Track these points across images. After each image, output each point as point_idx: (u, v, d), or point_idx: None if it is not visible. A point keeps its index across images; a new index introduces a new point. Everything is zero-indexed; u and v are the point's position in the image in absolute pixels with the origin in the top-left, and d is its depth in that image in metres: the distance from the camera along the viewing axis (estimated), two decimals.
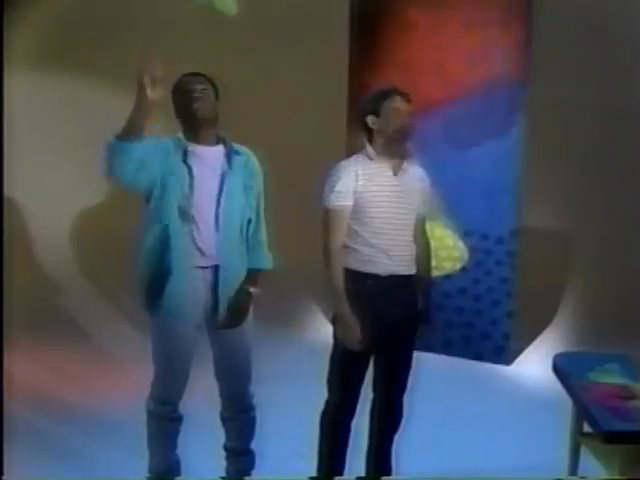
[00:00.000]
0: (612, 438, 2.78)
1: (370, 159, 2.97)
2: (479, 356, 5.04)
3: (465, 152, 5.02)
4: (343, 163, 3.00)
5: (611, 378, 3.09)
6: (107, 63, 5.61)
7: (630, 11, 5.14)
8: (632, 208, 5.36)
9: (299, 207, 5.47)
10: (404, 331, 3.03)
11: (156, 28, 5.66)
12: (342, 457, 3.12)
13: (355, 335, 2.88)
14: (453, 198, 4.79)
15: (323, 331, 5.53)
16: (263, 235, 3.10)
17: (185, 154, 2.93)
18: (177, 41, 5.54)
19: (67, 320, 5.24)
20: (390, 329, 2.97)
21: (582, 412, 3.08)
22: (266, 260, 3.10)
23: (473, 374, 4.79)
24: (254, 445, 3.23)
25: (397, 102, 2.96)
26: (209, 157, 2.97)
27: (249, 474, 3.18)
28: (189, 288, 2.94)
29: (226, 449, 3.20)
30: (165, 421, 3.06)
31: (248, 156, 3.05)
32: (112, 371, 4.49)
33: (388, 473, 3.15)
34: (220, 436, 3.19)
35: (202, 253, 2.94)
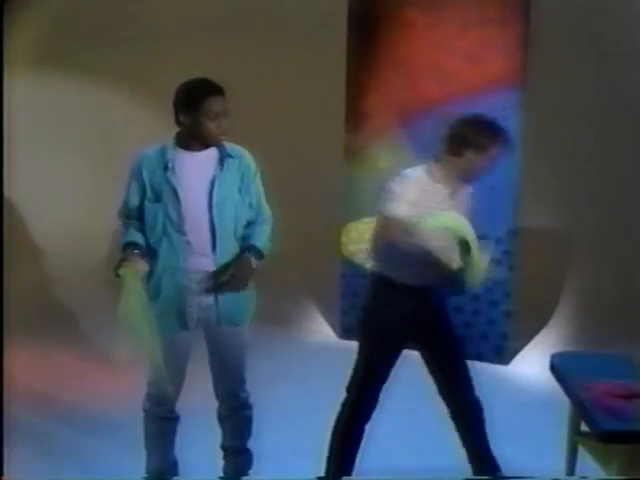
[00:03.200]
0: (609, 438, 2.78)
1: (433, 177, 2.99)
2: (477, 356, 5.03)
3: None
4: (409, 174, 3.00)
5: (608, 377, 3.09)
6: (107, 64, 5.60)
7: (628, 11, 5.14)
8: (629, 208, 5.37)
9: (298, 208, 5.48)
10: (439, 335, 3.16)
11: (157, 29, 5.67)
12: (352, 459, 3.15)
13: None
14: None
15: (320, 331, 5.56)
16: (268, 225, 3.09)
17: (166, 168, 2.92)
18: (176, 43, 5.55)
19: (65, 319, 5.25)
20: (422, 333, 3.09)
21: (579, 411, 3.09)
22: (267, 242, 3.07)
23: (471, 374, 4.79)
24: (252, 445, 3.23)
25: (492, 155, 2.97)
26: (199, 162, 2.95)
27: (247, 473, 3.19)
28: (183, 291, 2.95)
29: (223, 448, 3.21)
30: (162, 421, 3.07)
31: (241, 158, 3.03)
32: (110, 371, 4.47)
33: (498, 469, 3.18)
34: (218, 436, 3.20)
35: (198, 258, 2.95)
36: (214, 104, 2.87)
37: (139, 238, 2.95)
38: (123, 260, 2.88)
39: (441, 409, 3.20)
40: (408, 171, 3.02)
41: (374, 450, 3.23)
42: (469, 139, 2.95)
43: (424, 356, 3.18)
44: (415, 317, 3.05)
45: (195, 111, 2.87)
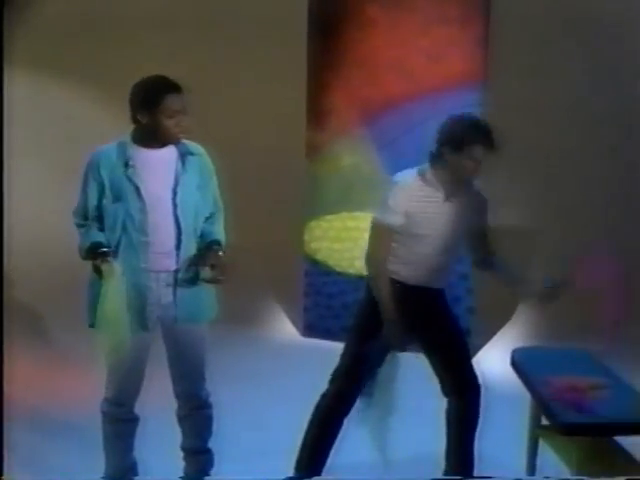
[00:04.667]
0: (569, 430, 2.82)
1: (425, 181, 3.00)
2: None
3: (425, 149, 5.03)
4: (400, 180, 3.02)
5: (567, 372, 3.12)
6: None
7: (590, 9, 5.20)
8: (591, 205, 5.43)
9: (260, 206, 5.46)
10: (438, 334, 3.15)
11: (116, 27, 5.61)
12: (326, 453, 3.13)
13: (402, 339, 2.98)
14: None
15: (283, 329, 5.54)
16: (222, 218, 3.06)
17: (127, 165, 2.87)
18: (139, 42, 5.50)
19: (22, 321, 5.16)
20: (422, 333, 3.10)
21: (540, 405, 3.12)
22: (221, 234, 3.02)
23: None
24: (213, 445, 3.20)
25: (480, 153, 2.95)
26: (160, 159, 2.91)
27: (208, 474, 3.16)
28: (142, 292, 2.90)
29: (184, 449, 3.17)
30: (120, 423, 3.02)
31: (201, 155, 3.00)
32: (68, 373, 4.43)
33: (471, 473, 3.18)
34: (178, 436, 3.16)
35: (159, 257, 2.90)
36: (172, 102, 2.82)
37: (103, 238, 2.89)
38: (96, 259, 2.82)
39: (400, 405, 3.19)
40: (399, 176, 3.05)
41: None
42: (456, 140, 2.94)
43: (426, 356, 3.20)
44: (412, 315, 3.02)
45: (153, 109, 2.82)
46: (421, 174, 3.01)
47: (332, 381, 3.11)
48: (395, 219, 2.97)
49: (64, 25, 5.57)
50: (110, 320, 2.80)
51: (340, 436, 3.12)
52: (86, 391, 3.80)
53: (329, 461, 3.13)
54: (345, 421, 3.11)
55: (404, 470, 3.20)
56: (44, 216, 5.89)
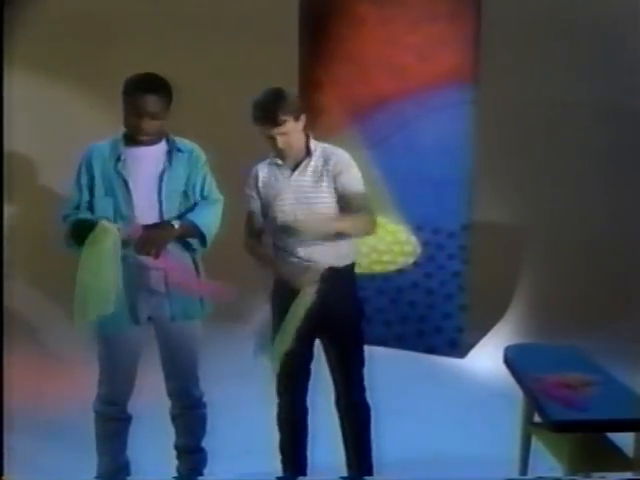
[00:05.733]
0: (561, 427, 2.82)
1: (273, 160, 3.01)
2: (432, 349, 5.08)
3: (416, 147, 5.04)
4: (252, 170, 3.04)
5: (560, 369, 3.13)
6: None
7: (581, 7, 5.21)
8: (581, 204, 5.45)
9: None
10: (340, 323, 2.97)
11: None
12: (303, 455, 3.12)
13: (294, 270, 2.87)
14: (404, 193, 4.80)
15: None
16: (215, 207, 3.04)
17: (118, 160, 2.90)
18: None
19: (20, 322, 5.14)
20: (324, 322, 2.91)
21: (532, 402, 3.12)
22: (210, 222, 3.00)
23: (426, 367, 4.82)
24: (207, 444, 3.20)
25: (265, 129, 2.89)
26: (149, 155, 2.93)
27: (201, 473, 3.16)
28: (132, 286, 2.89)
29: (177, 448, 3.17)
30: (113, 421, 3.02)
31: (191, 152, 3.01)
32: (59, 371, 4.42)
33: (370, 471, 3.11)
34: (171, 435, 3.16)
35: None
36: (143, 102, 2.82)
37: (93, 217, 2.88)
38: (85, 230, 2.79)
39: (395, 403, 3.19)
40: (253, 168, 3.05)
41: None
42: (253, 118, 2.91)
43: (324, 348, 3.06)
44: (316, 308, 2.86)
45: (125, 106, 2.87)
46: (270, 157, 3.02)
47: (277, 390, 3.06)
48: (251, 202, 3.00)
49: (64, 25, 5.54)
50: (101, 275, 2.77)
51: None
52: (84, 391, 3.80)
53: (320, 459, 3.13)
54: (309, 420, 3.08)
55: (395, 470, 3.21)
56: (44, 215, 5.85)
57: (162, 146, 2.95)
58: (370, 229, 2.96)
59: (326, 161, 2.99)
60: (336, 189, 2.95)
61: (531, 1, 5.25)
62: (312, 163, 2.98)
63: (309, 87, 5.33)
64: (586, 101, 5.29)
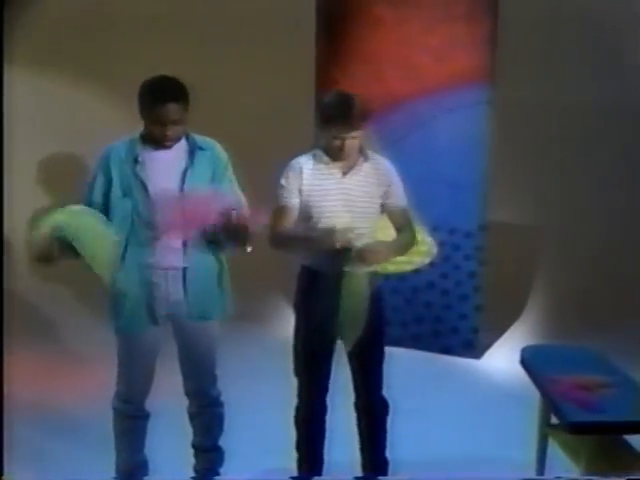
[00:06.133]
0: (578, 429, 2.82)
1: (319, 158, 2.96)
2: (448, 350, 5.07)
3: (432, 147, 5.04)
4: (292, 165, 2.98)
5: (577, 370, 3.12)
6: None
7: (596, 7, 5.19)
8: (597, 204, 5.43)
9: (268, 204, 5.45)
10: (366, 325, 2.97)
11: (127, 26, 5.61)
12: (320, 454, 3.13)
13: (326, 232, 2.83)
14: (421, 193, 4.75)
15: (291, 328, 5.53)
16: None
17: (136, 162, 2.88)
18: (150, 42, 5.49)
19: (31, 319, 5.17)
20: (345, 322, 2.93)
21: (549, 404, 3.11)
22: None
23: (442, 368, 4.82)
24: (224, 443, 3.21)
25: (339, 130, 2.86)
26: (169, 155, 2.91)
27: (218, 472, 3.17)
28: (151, 287, 2.91)
29: (194, 446, 3.19)
30: (131, 419, 3.04)
31: (212, 149, 2.99)
32: (78, 369, 4.44)
33: (385, 471, 3.12)
34: (189, 434, 3.17)
35: (167, 253, 2.91)
36: (167, 111, 2.81)
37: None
38: None
39: (410, 403, 3.19)
40: (293, 161, 2.99)
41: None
42: (326, 116, 2.89)
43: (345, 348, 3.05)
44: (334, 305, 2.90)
45: (146, 114, 2.85)
46: (316, 154, 2.97)
47: (298, 388, 3.06)
48: (290, 198, 2.92)
49: (64, 25, 5.56)
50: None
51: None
52: (90, 388, 3.82)
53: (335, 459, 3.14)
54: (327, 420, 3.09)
55: (410, 470, 3.21)
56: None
57: (182, 145, 2.94)
58: (414, 244, 3.11)
59: (376, 170, 3.01)
60: (383, 200, 3.01)
61: (547, 1, 5.24)
62: (364, 170, 2.99)
63: (326, 87, 5.33)
64: (602, 101, 5.27)
